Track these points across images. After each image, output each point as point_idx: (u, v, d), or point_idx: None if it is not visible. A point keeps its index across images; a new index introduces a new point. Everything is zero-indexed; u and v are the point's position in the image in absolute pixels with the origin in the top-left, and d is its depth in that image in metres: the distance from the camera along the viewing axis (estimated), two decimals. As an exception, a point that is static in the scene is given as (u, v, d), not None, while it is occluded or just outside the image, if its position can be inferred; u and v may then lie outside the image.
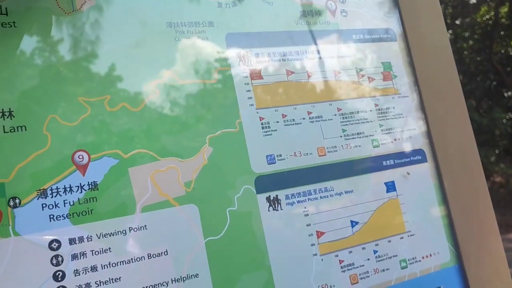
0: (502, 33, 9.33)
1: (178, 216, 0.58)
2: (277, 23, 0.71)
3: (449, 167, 0.75)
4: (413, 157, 0.74)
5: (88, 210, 0.54)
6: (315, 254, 0.64)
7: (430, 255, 0.71)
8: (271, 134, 0.66)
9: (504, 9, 9.27)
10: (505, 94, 8.22)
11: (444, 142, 0.76)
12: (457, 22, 8.85)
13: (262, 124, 0.66)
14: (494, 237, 0.75)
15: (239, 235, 0.60)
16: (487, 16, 9.36)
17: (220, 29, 0.67)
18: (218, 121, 0.63)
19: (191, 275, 0.57)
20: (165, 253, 0.57)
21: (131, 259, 0.55)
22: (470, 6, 8.72)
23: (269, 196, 0.63)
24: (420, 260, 0.70)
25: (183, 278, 0.57)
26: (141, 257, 0.55)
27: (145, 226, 0.57)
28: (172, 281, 0.56)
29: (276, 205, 0.64)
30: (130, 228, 0.56)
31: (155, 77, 0.62)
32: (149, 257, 0.56)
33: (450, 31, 8.49)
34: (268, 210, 0.63)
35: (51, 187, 0.53)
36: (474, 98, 8.26)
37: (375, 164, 0.71)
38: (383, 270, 0.68)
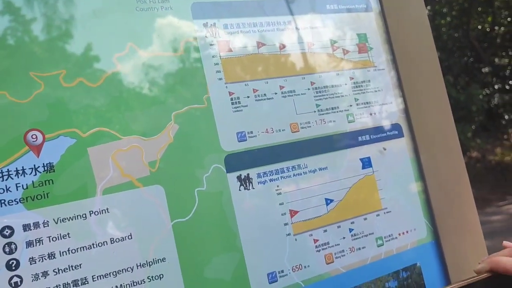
0: (479, 9, 9.37)
1: (143, 197, 0.55)
2: (246, -8, 0.67)
3: (426, 142, 0.73)
4: (389, 132, 0.72)
5: (44, 194, 0.50)
6: (289, 234, 0.62)
7: (407, 232, 0.70)
8: (242, 110, 0.63)
9: (481, -15, 9.29)
10: (482, 70, 8.31)
11: (421, 116, 0.74)
12: (435, -2, 8.84)
13: (231, 99, 0.62)
14: (470, 212, 0.74)
15: (208, 216, 0.57)
16: (465, -8, 9.37)
17: (185, -2, 0.63)
18: (185, 96, 0.60)
19: (158, 260, 0.54)
20: (129, 237, 0.53)
21: (92, 244, 0.52)
22: (448, -18, 8.70)
23: (240, 175, 0.61)
24: (396, 237, 0.69)
25: (149, 262, 0.54)
26: (103, 242, 0.52)
27: (107, 209, 0.53)
28: (137, 266, 0.53)
29: (248, 184, 0.61)
30: (91, 212, 0.52)
31: (116, 50, 0.57)
32: (112, 242, 0.53)
33: (429, 7, 8.49)
34: (239, 190, 0.60)
35: (1, 170, 0.49)
36: (452, 74, 8.33)
37: (351, 139, 0.69)
38: (359, 249, 0.66)
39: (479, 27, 9.39)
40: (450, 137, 0.75)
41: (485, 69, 8.30)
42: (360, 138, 0.69)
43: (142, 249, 0.54)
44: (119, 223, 0.53)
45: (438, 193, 0.72)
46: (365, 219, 0.67)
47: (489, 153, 7.53)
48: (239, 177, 0.60)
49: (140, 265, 0.53)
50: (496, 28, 8.98)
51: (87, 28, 0.56)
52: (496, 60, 8.31)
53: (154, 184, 0.56)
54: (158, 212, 0.55)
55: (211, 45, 0.63)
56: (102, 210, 0.53)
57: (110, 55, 0.57)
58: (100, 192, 0.53)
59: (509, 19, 9.19)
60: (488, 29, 9.16)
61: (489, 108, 8.01)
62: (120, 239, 0.53)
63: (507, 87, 8.37)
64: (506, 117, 8.18)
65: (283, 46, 0.67)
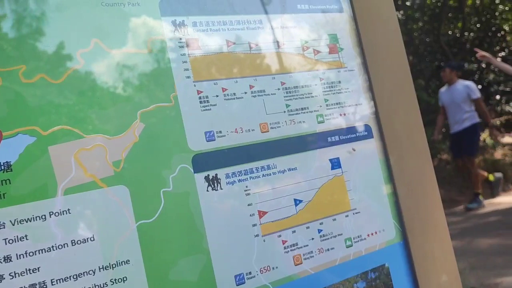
0: (449, 15, 9.62)
1: (107, 198, 0.53)
2: (216, -11, 0.66)
3: (395, 143, 0.74)
4: (359, 133, 0.72)
5: (0, 194, 0.48)
6: (257, 235, 0.61)
7: (376, 233, 0.70)
8: (210, 109, 0.62)
9: (452, -8, 9.54)
10: (452, 75, 8.50)
11: (391, 117, 0.75)
12: (408, 3, 9.03)
13: (200, 98, 0.61)
14: (438, 213, 0.75)
15: (174, 218, 0.56)
16: (437, -2, 9.61)
17: (153, -6, 0.61)
18: (151, 94, 0.58)
19: (122, 262, 0.52)
20: (92, 238, 0.52)
21: (52, 247, 0.50)
22: (420, -13, 8.90)
23: (208, 175, 0.59)
24: (365, 238, 0.69)
25: (112, 265, 0.52)
26: (64, 244, 0.50)
27: (68, 210, 0.51)
28: (100, 269, 0.51)
29: (216, 184, 0.60)
30: (51, 213, 0.50)
31: (80, 45, 0.55)
32: (73, 244, 0.51)
33: (401, 12, 8.65)
34: (207, 190, 0.59)
35: (-46, 169, 0.47)
36: (423, 78, 8.51)
37: (320, 140, 0.69)
38: (328, 250, 0.66)
39: (450, 32, 9.64)
40: (419, 139, 0.76)
41: None
42: (329, 139, 0.69)
43: (105, 251, 0.52)
44: (81, 224, 0.52)
45: (407, 194, 0.73)
46: (334, 219, 0.67)
47: (459, 155, 7.70)
48: (207, 178, 0.59)
49: (102, 267, 0.51)
50: (466, 34, 9.23)
51: (50, 22, 0.54)
52: (466, 65, 8.53)
53: (119, 184, 0.54)
54: (122, 213, 0.54)
55: (179, 42, 0.61)
56: (63, 211, 0.51)
57: (74, 51, 0.55)
58: (61, 192, 0.51)
59: (478, 25, 9.46)
60: (458, 35, 9.41)
61: (458, 111, 8.21)
62: (81, 241, 0.51)
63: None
64: (475, 120, 8.39)
65: (253, 45, 0.66)
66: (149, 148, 0.56)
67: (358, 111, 0.73)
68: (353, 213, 0.69)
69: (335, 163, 0.69)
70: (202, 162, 0.59)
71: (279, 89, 0.67)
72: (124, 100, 0.56)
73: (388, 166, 0.73)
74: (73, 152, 0.53)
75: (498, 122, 8.62)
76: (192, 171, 0.58)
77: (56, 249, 0.50)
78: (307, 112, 0.68)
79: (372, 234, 0.70)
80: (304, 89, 0.69)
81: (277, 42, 0.69)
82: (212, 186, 0.59)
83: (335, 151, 0.69)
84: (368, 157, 0.72)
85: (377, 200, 0.71)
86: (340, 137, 0.70)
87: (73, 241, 0.51)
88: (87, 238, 0.51)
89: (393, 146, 0.74)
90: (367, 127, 0.73)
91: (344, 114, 0.72)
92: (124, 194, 0.54)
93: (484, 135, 8.17)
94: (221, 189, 0.60)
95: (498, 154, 7.68)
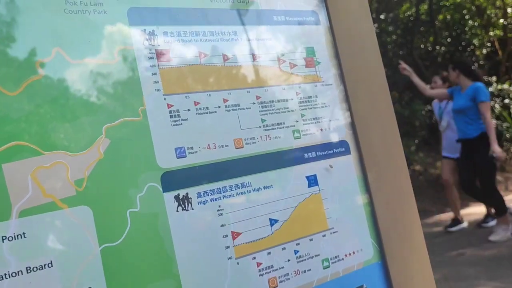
0: (422, 29, 9.84)
1: (67, 220, 0.49)
2: (189, -2, 0.63)
3: (373, 159, 0.72)
4: (336, 149, 0.70)
5: None
6: (230, 258, 0.58)
7: (353, 253, 0.68)
8: (181, 124, 0.58)
9: (424, 7, 9.78)
10: (425, 87, 8.67)
11: (368, 133, 0.73)
12: (382, 16, 9.20)
13: (170, 112, 0.58)
14: (416, 232, 0.74)
15: (142, 240, 0.52)
16: (409, 12, 9.83)
17: (121, 2, 0.58)
18: (118, 108, 0.54)
19: (83, 290, 0.48)
20: (49, 265, 0.47)
21: (5, 274, 0.45)
22: (393, 2, 9.09)
23: (178, 194, 0.56)
24: (343, 259, 0.66)
25: (72, 294, 0.48)
26: (18, 272, 0.46)
27: (24, 233, 0.47)
28: (58, 298, 0.47)
29: (186, 204, 0.56)
30: (3, 237, 0.46)
31: (40, 54, 0.52)
32: (28, 271, 0.46)
33: (376, 25, 8.80)
34: (177, 211, 0.55)
35: None
36: (397, 90, 8.65)
37: (296, 156, 0.66)
38: (305, 271, 0.63)
39: (422, 46, 9.85)
40: (396, 154, 0.75)
41: (427, 86, 8.67)
42: (306, 155, 0.67)
43: (64, 278, 0.48)
44: (37, 250, 0.47)
45: (385, 212, 0.71)
46: (311, 240, 0.64)
47: (431, 166, 7.85)
48: (177, 197, 0.56)
49: (60, 297, 0.47)
50: (437, 47, 9.45)
51: (6, 28, 0.50)
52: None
53: (81, 205, 0.50)
54: (85, 236, 0.50)
55: (149, 53, 0.58)
56: (17, 235, 0.47)
57: (33, 60, 0.51)
58: (15, 215, 0.47)
59: (449, 39, 9.70)
60: (430, 48, 9.63)
61: (430, 123, 8.38)
62: (38, 267, 0.47)
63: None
64: (447, 132, 8.57)
65: (227, 58, 0.64)
66: (114, 166, 0.53)
67: (335, 126, 0.71)
68: (331, 233, 0.66)
69: (312, 181, 0.66)
70: (172, 180, 0.56)
71: (254, 103, 0.64)
72: (88, 114, 0.53)
73: (365, 183, 0.71)
74: (30, 171, 0.48)
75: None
76: (161, 190, 0.55)
77: (9, 277, 0.45)
78: (283, 127, 0.66)
79: (349, 254, 0.67)
80: (280, 103, 0.67)
81: (253, 54, 0.66)
82: (183, 206, 0.56)
83: (312, 167, 0.67)
84: (346, 174, 0.70)
85: (354, 218, 0.69)
86: (317, 153, 0.68)
87: (28, 268, 0.46)
88: (45, 265, 0.47)
89: (370, 163, 0.72)
90: (344, 143, 0.71)
91: (321, 130, 0.69)
92: (86, 216, 0.50)
93: (456, 147, 8.33)
94: (192, 209, 0.56)
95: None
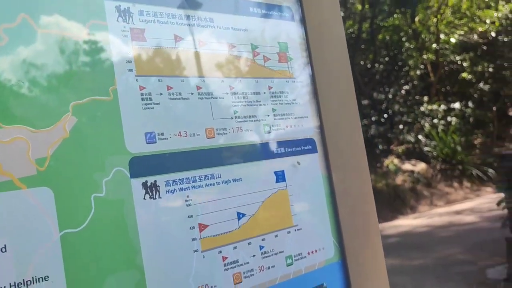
0: (363, 46, 10.27)
1: (25, 201, 0.45)
2: (167, -21, 0.60)
3: (339, 160, 0.73)
4: (303, 146, 0.70)
5: None
6: (196, 250, 0.55)
7: (316, 251, 0.67)
8: (153, 108, 0.55)
9: (366, 25, 10.22)
10: (362, 103, 9.05)
11: (335, 133, 0.73)
12: (327, 31, 9.47)
13: (142, 94, 0.55)
14: (375, 234, 0.75)
15: (105, 228, 0.49)
16: (351, 30, 10.23)
17: (96, -27, 0.54)
18: (87, 86, 0.51)
19: (38, 278, 0.44)
20: (3, 249, 0.43)
21: (-51, 259, 0.40)
22: (338, 18, 9.38)
23: (146, 181, 0.53)
24: (305, 256, 0.66)
25: (26, 282, 0.43)
26: (-35, 256, 0.41)
27: (-26, 214, 0.42)
28: (10, 286, 0.42)
29: (154, 192, 0.53)
30: (-49, 217, 0.41)
31: (3, 19, 0.47)
32: (-22, 256, 0.41)
33: (320, 39, 9.04)
34: (144, 198, 0.52)
35: None
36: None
37: (266, 151, 0.65)
38: (269, 268, 0.62)
39: (362, 62, 10.28)
40: (360, 157, 0.76)
41: (365, 102, 9.06)
42: (275, 150, 0.66)
43: (19, 265, 0.43)
44: (-11, 233, 0.42)
45: (348, 212, 0.72)
46: (276, 236, 0.63)
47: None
48: (144, 184, 0.53)
49: (14, 285, 0.43)
50: (376, 65, 9.90)
51: (-33, -12, 0.45)
52: (375, 94, 9.13)
53: (42, 186, 0.46)
54: (44, 220, 0.45)
55: (122, 31, 0.55)
56: (-33, 215, 0.42)
57: (-4, 24, 0.46)
58: (-34, 192, 0.42)
59: (387, 58, 10.19)
60: (369, 66, 10.06)
61: (366, 137, 8.74)
62: (-11, 252, 0.42)
63: (382, 120, 9.22)
64: (380, 147, 8.98)
65: (202, 44, 0.62)
66: (80, 146, 0.49)
67: (304, 123, 0.71)
68: (295, 230, 0.66)
69: (280, 176, 0.66)
70: (140, 166, 0.53)
71: (227, 93, 0.63)
72: (54, 89, 0.48)
73: (330, 182, 0.71)
74: (-14, 145, 0.44)
75: (400, 150, 9.29)
76: (129, 175, 0.52)
77: (-45, 262, 0.40)
78: (254, 121, 0.65)
79: (312, 252, 0.67)
80: (253, 96, 0.65)
81: (228, 43, 0.64)
82: (150, 194, 0.53)
83: (280, 163, 0.66)
84: (312, 172, 0.70)
85: (318, 217, 0.69)
86: (286, 149, 0.67)
87: (-23, 253, 0.41)
88: (-4, 249, 0.42)
89: (336, 163, 0.72)
90: (311, 141, 0.71)
91: (290, 126, 0.69)
92: (47, 198, 0.46)
93: (387, 161, 8.75)
94: (160, 197, 0.54)
95: (399, 179, 8.25)
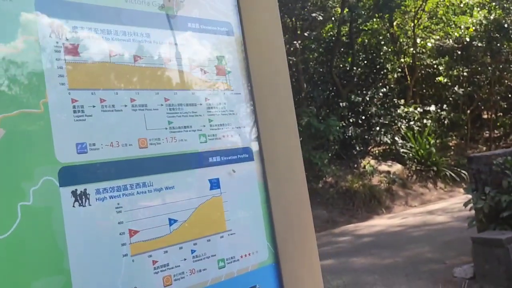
0: (342, 49, 10.40)
1: (-50, 210, 0.47)
2: (103, -4, 0.63)
3: (274, 167, 0.76)
4: (240, 155, 0.73)
5: None
6: (126, 255, 0.58)
7: (249, 254, 0.71)
8: (85, 120, 0.58)
9: (345, 29, 10.35)
10: (340, 104, 9.17)
11: (272, 142, 0.77)
12: (306, 34, 9.58)
13: (74, 107, 0.57)
14: (310, 238, 0.79)
15: (31, 235, 0.51)
16: (331, 33, 10.34)
17: (29, -9, 0.56)
18: (17, 99, 0.53)
19: (-38, 284, 0.46)
20: None
21: None
22: (318, 21, 9.51)
23: (76, 190, 0.56)
24: (238, 260, 0.69)
25: (-51, 287, 0.46)
26: None
27: None
28: None
29: (84, 200, 0.56)
30: None
31: None
32: None
33: (300, 41, 9.14)
34: (73, 206, 0.55)
35: None
36: (315, 106, 9.04)
37: (201, 160, 0.68)
38: (200, 271, 0.65)
39: (341, 65, 10.40)
40: (297, 166, 0.80)
41: (343, 104, 9.18)
42: (210, 159, 0.69)
43: None
44: None
45: (282, 217, 0.75)
46: (209, 240, 0.67)
47: (342, 179, 8.28)
48: (74, 192, 0.55)
49: None
50: (355, 68, 10.03)
51: None
52: (353, 97, 9.25)
53: (-34, 196, 0.48)
54: (-32, 228, 0.48)
55: (55, 46, 0.57)
56: None
57: None
58: None
59: (365, 61, 10.34)
60: (348, 68, 10.20)
61: (344, 138, 8.85)
62: None
63: (360, 121, 9.35)
64: (358, 148, 9.11)
65: (138, 58, 0.65)
66: (8, 157, 0.51)
67: (241, 133, 0.74)
68: (228, 234, 0.69)
69: (214, 184, 0.69)
70: (70, 175, 0.55)
71: (162, 105, 0.66)
72: (-17, 102, 0.51)
73: (266, 189, 0.75)
74: None
75: (377, 152, 9.43)
76: (58, 184, 0.54)
77: None
78: (190, 131, 0.68)
79: (245, 255, 0.71)
80: (189, 107, 0.69)
81: (164, 57, 0.67)
82: (80, 202, 0.56)
83: (215, 171, 0.70)
84: (248, 179, 0.74)
85: (253, 221, 0.73)
86: (222, 157, 0.71)
87: None
88: None
89: (271, 170, 0.76)
90: (248, 150, 0.75)
91: (227, 136, 0.72)
92: (-28, 207, 0.48)
93: (364, 162, 8.88)
94: (90, 205, 0.56)
95: (375, 180, 8.38)
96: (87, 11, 0.61)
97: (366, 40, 10.63)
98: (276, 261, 0.74)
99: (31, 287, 0.50)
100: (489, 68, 10.33)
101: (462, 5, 10.83)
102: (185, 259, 0.64)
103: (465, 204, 4.02)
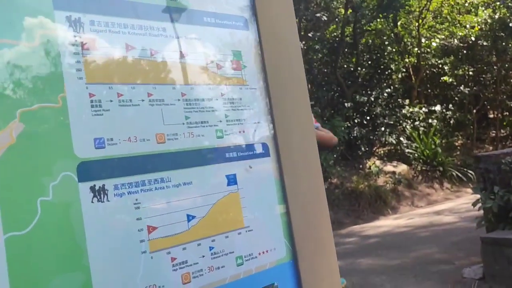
0: (346, 50, 10.38)
1: (-30, 206, 0.46)
2: (119, -10, 0.62)
3: (291, 163, 0.75)
4: (256, 151, 0.72)
5: None
6: (144, 252, 0.57)
7: (267, 251, 0.70)
8: (102, 114, 0.57)
9: (349, 29, 10.33)
10: (345, 105, 9.15)
11: (288, 138, 0.76)
12: (310, 34, 9.57)
13: (92, 101, 0.57)
14: (327, 235, 0.78)
15: (51, 230, 0.51)
16: (335, 33, 10.33)
17: (46, -16, 0.56)
18: (36, 93, 0.53)
19: (-18, 280, 0.46)
20: None
21: None
22: (321, 22, 9.50)
23: (94, 185, 0.55)
24: (256, 257, 0.68)
25: (-31, 283, 0.45)
26: None
27: None
28: (-47, 288, 0.44)
29: (102, 196, 0.55)
30: None
31: (-49, 29, 0.48)
32: None
33: (303, 42, 9.13)
34: (92, 202, 0.54)
35: None
36: (319, 106, 9.02)
37: (218, 155, 0.67)
38: (218, 268, 0.64)
39: (345, 66, 10.38)
40: (313, 162, 0.79)
41: (348, 104, 9.15)
42: (227, 155, 0.68)
43: (-39, 267, 0.45)
44: None
45: (299, 214, 0.74)
46: (227, 237, 0.66)
47: (347, 180, 8.25)
48: (92, 188, 0.55)
49: (-44, 286, 0.44)
50: (359, 68, 10.01)
51: None
52: (357, 97, 9.23)
53: (-14, 190, 0.47)
54: (-12, 224, 0.47)
55: (73, 41, 0.57)
56: None
57: None
58: None
59: (369, 62, 10.31)
60: (352, 69, 10.17)
61: (349, 139, 8.83)
62: None
63: (365, 122, 9.32)
64: (363, 149, 9.08)
65: (154, 53, 0.64)
66: (27, 152, 0.51)
67: (257, 129, 0.73)
68: (246, 231, 0.68)
69: (232, 180, 0.68)
70: (88, 170, 0.55)
71: (179, 100, 0.65)
72: (2, 96, 0.50)
73: (282, 185, 0.74)
74: None
75: (382, 152, 9.40)
76: (77, 180, 0.54)
77: None
78: (206, 126, 0.67)
79: (263, 252, 0.70)
80: (205, 102, 0.68)
81: (180, 52, 0.67)
82: (98, 198, 0.55)
83: (232, 167, 0.69)
84: (264, 176, 0.73)
85: (270, 218, 0.72)
86: (238, 153, 0.70)
87: None
88: None
89: (288, 167, 0.75)
90: (264, 146, 0.74)
91: (243, 131, 0.71)
92: (-8, 202, 0.47)
93: (369, 163, 8.85)
94: (108, 201, 0.56)
95: (381, 180, 8.35)
96: (104, 4, 0.60)
97: (370, 41, 10.60)
98: (293, 259, 0.73)
99: (51, 283, 0.50)
100: (495, 67, 10.27)
101: (467, 4, 10.79)
102: (203, 256, 0.63)
103: (474, 204, 3.99)
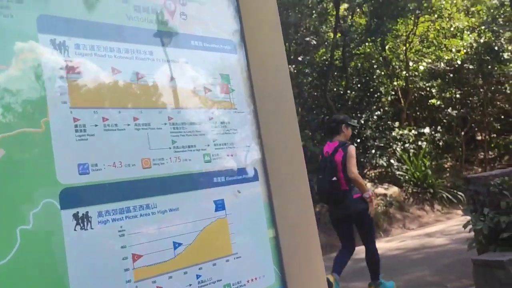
0: (335, 73, 10.50)
1: None
2: (105, 13, 0.62)
3: (280, 188, 0.74)
4: (245, 175, 0.71)
5: None
6: (129, 281, 0.55)
7: (256, 279, 0.68)
8: (87, 139, 0.56)
9: (338, 53, 10.48)
10: (335, 128, 9.18)
11: (277, 162, 0.75)
12: (300, 58, 9.68)
13: (76, 126, 0.56)
14: (317, 260, 0.76)
15: (32, 260, 0.49)
16: (324, 57, 10.46)
17: (31, 8, 0.55)
18: (17, 117, 0.51)
19: (-44, 314, 0.43)
20: None
21: None
22: (311, 45, 9.62)
23: (78, 212, 0.53)
24: (245, 284, 0.67)
25: None
26: None
27: None
28: None
29: (86, 223, 0.53)
30: None
31: None
32: None
33: (293, 66, 9.23)
34: (75, 229, 0.52)
35: None
36: (310, 129, 9.06)
37: (205, 180, 0.66)
38: (206, 297, 0.62)
39: (335, 89, 10.48)
40: (302, 186, 0.78)
41: (338, 127, 9.18)
42: (215, 179, 0.67)
43: None
44: None
45: (288, 239, 0.73)
46: (214, 264, 0.64)
47: (338, 203, 8.20)
48: (76, 215, 0.53)
49: None
50: (349, 92, 10.11)
51: None
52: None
53: (-38, 219, 0.46)
54: (-36, 254, 0.45)
55: (57, 64, 0.56)
56: None
57: None
58: None
59: (359, 85, 10.43)
60: (342, 92, 10.27)
61: (339, 162, 8.83)
62: None
63: (355, 145, 9.36)
64: (353, 171, 9.07)
65: (141, 76, 0.63)
66: (7, 179, 0.49)
67: (246, 153, 0.72)
68: (234, 258, 0.66)
69: (219, 205, 0.67)
70: (71, 197, 0.53)
71: (166, 123, 0.64)
72: (-18, 121, 0.49)
73: (271, 210, 0.73)
74: None
75: (373, 174, 9.41)
76: (59, 207, 0.52)
77: None
78: (194, 150, 0.66)
79: (252, 280, 0.68)
80: (193, 126, 0.67)
81: (167, 75, 0.66)
82: (81, 225, 0.53)
83: (220, 192, 0.67)
84: (253, 200, 0.71)
85: (258, 244, 0.70)
86: (226, 178, 0.69)
87: None
88: None
89: (277, 191, 0.74)
90: (253, 170, 0.73)
91: (232, 155, 0.70)
92: (-32, 231, 0.46)
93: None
94: (92, 228, 0.54)
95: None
96: (90, 28, 0.60)
97: (359, 64, 10.75)
98: (283, 285, 0.71)
99: (29, 316, 0.47)
100: (481, 90, 10.44)
101: (452, 29, 11.01)
102: (190, 285, 0.61)
103: (465, 226, 3.99)
